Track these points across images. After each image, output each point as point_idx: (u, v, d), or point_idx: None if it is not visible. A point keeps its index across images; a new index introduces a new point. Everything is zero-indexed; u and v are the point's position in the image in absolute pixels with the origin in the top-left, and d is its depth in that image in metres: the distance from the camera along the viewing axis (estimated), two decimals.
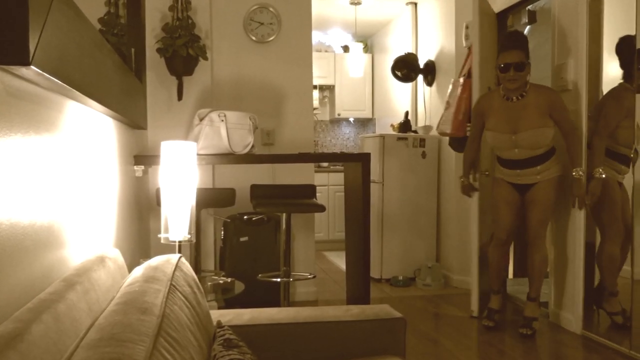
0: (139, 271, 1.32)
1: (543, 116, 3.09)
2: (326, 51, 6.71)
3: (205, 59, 3.31)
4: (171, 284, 1.24)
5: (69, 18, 1.18)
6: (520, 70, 3.09)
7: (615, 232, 3.16)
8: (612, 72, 3.23)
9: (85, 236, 1.51)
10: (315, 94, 6.57)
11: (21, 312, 0.90)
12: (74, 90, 1.22)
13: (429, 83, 4.91)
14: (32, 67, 0.92)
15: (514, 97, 3.18)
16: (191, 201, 2.15)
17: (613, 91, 3.16)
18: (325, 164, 6.17)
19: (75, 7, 1.25)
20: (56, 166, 1.25)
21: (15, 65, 0.91)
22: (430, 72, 4.86)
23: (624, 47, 3.08)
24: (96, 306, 1.13)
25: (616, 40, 3.16)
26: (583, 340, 3.16)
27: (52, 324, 0.90)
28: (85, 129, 1.56)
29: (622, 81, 3.12)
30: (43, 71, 0.97)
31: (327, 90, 6.87)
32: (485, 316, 3.44)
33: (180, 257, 1.50)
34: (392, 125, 5.48)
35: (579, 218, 3.22)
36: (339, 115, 6.69)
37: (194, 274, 1.51)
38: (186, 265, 1.49)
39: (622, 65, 3.13)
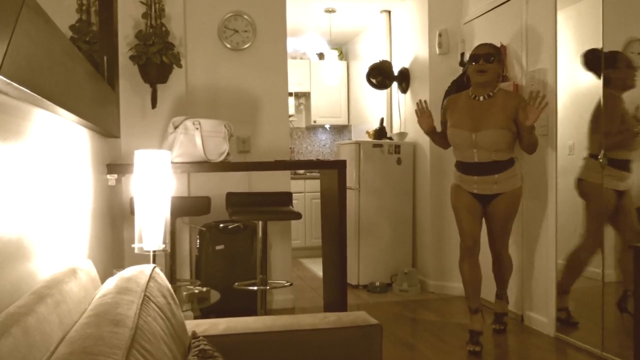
0: (111, 282, 1.30)
1: (508, 119, 3.03)
2: (301, 58, 6.73)
3: (180, 66, 3.29)
4: (145, 295, 1.22)
5: (39, 26, 1.16)
6: (489, 61, 3.06)
7: (593, 242, 3.10)
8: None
9: (57, 248, 1.48)
10: (291, 101, 6.57)
11: None
12: (44, 100, 1.20)
13: (404, 90, 4.96)
14: (0, 76, 0.90)
15: (481, 97, 3.13)
16: (166, 210, 2.12)
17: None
18: (301, 171, 6.16)
19: (45, 15, 1.23)
20: (26, 177, 1.22)
21: None
22: (404, 79, 4.91)
23: (594, 60, 3.02)
24: (67, 319, 1.11)
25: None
26: (557, 342, 3.22)
27: (21, 338, 0.88)
28: (56, 138, 1.53)
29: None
30: (12, 81, 0.95)
31: (303, 97, 6.88)
32: (468, 341, 3.13)
33: (155, 267, 1.48)
34: (367, 132, 5.52)
35: (550, 221, 3.28)
36: (314, 122, 6.71)
37: (168, 284, 1.49)
38: (160, 276, 1.47)
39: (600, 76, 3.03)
